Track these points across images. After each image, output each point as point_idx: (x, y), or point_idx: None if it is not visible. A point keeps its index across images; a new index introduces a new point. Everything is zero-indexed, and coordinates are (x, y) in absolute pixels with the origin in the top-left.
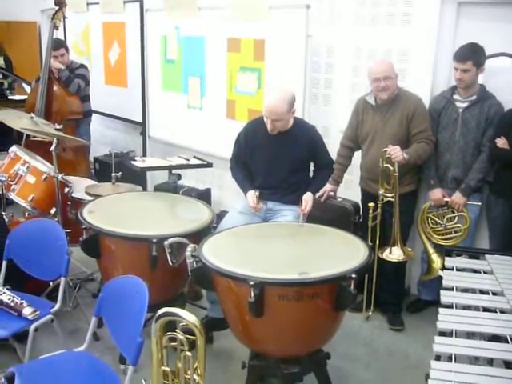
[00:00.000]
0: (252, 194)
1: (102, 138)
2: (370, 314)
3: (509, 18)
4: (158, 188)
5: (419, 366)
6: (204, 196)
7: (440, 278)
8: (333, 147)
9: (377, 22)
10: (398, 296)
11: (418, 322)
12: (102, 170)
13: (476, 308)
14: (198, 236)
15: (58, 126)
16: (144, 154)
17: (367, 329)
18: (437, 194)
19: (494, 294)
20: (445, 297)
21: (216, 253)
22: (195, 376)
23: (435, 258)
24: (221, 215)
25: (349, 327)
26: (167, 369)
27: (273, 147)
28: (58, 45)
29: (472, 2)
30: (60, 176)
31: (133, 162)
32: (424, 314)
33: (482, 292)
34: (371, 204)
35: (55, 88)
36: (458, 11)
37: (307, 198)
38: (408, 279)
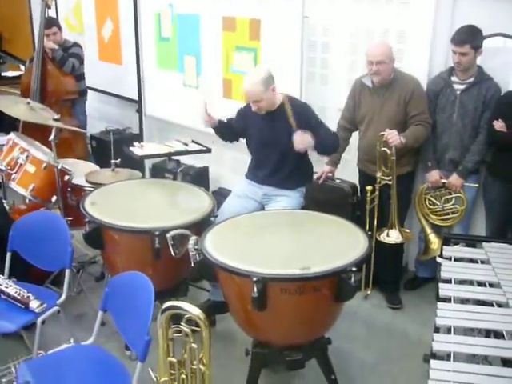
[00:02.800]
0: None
1: (98, 114)
2: (369, 292)
3: None
4: (155, 167)
5: (418, 345)
6: (202, 174)
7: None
8: (330, 126)
9: (374, 1)
10: (396, 275)
11: (415, 299)
12: (99, 148)
13: (474, 301)
14: (200, 226)
15: (56, 116)
16: (141, 132)
17: (366, 308)
18: (434, 175)
19: (490, 285)
20: (443, 290)
21: (218, 246)
22: (201, 366)
23: (433, 238)
24: (219, 192)
25: (348, 306)
26: (173, 359)
27: (263, 127)
28: (50, 23)
29: None
30: (60, 165)
31: (131, 149)
32: (421, 291)
33: (479, 284)
34: (369, 187)
35: (50, 68)
36: None
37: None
38: (406, 256)
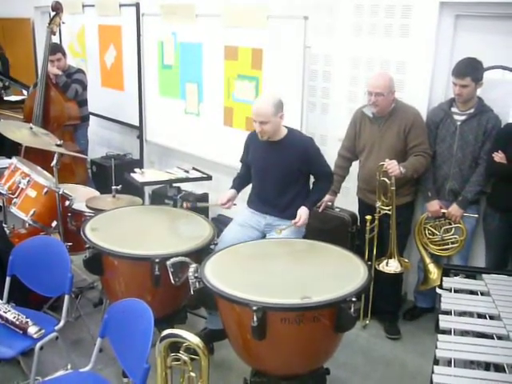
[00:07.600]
0: (229, 191)
1: (98, 139)
2: (367, 322)
3: (505, 30)
4: (155, 193)
5: (416, 376)
6: (202, 200)
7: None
8: (330, 156)
9: (374, 32)
10: (395, 305)
11: (414, 329)
12: (99, 173)
13: (474, 334)
14: (200, 253)
15: (59, 142)
16: (141, 158)
17: (364, 337)
18: (434, 205)
19: (491, 317)
20: (443, 322)
21: (218, 274)
22: None
23: (432, 268)
24: (218, 219)
25: (346, 336)
26: None
27: (266, 158)
28: (55, 49)
29: (469, 14)
30: (61, 190)
31: (132, 175)
32: (420, 322)
33: (479, 316)
34: (368, 217)
35: (53, 94)
36: (455, 23)
37: (301, 212)
38: (405, 286)
